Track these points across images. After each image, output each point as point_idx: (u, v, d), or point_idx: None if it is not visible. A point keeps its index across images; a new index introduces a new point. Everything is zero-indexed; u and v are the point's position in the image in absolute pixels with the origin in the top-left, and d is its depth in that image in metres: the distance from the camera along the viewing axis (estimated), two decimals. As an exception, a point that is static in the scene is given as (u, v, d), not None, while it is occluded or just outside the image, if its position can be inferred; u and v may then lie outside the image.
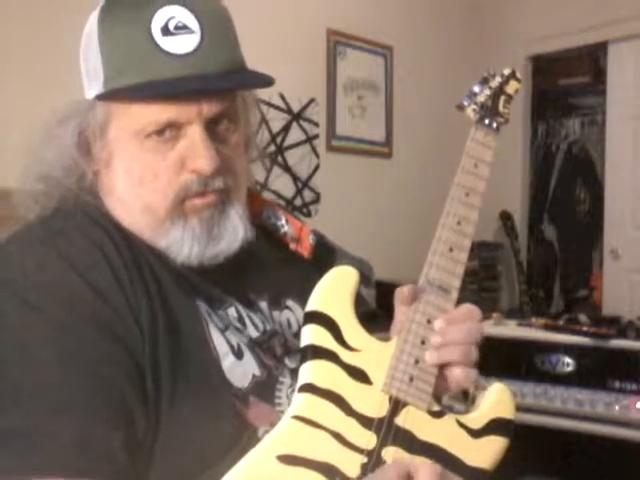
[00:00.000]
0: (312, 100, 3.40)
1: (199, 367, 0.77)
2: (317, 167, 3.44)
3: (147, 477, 0.73)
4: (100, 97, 0.80)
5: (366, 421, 0.75)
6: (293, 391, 0.78)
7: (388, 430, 0.75)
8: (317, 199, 3.44)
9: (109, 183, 0.83)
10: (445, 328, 0.79)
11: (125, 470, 0.69)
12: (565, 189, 4.12)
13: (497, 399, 0.81)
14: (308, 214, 3.37)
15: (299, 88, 3.28)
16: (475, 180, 0.84)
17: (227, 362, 0.79)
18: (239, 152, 0.86)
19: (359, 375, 0.77)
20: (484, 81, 0.89)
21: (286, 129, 3.29)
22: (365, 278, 0.88)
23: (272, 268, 0.94)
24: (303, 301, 0.82)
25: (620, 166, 3.80)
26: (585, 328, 2.30)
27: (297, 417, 0.74)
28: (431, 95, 3.87)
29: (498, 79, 0.89)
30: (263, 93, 1.04)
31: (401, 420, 0.76)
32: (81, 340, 0.71)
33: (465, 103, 0.88)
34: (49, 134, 0.83)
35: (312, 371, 0.77)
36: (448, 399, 0.86)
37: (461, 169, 0.84)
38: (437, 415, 0.77)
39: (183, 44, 0.77)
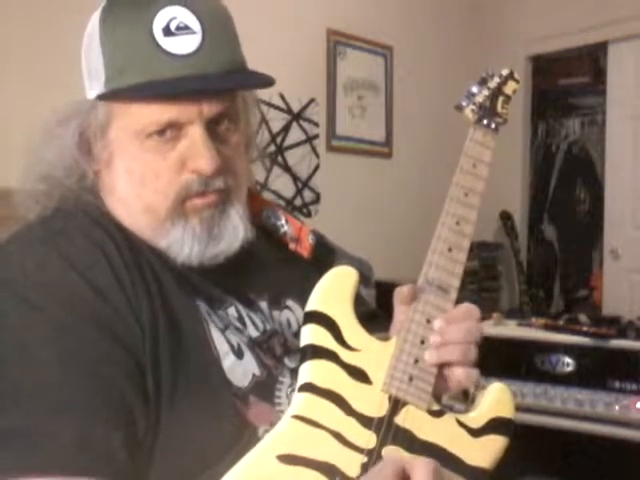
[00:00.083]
0: (312, 100, 3.40)
1: (199, 366, 0.77)
2: (317, 167, 3.44)
3: (147, 477, 0.73)
4: (101, 97, 0.80)
5: (366, 420, 0.75)
6: (293, 391, 0.78)
7: (388, 429, 0.75)
8: (317, 199, 3.43)
9: (110, 183, 0.83)
10: (444, 328, 0.79)
11: (125, 470, 0.69)
12: (565, 189, 4.12)
13: (497, 398, 0.81)
14: (308, 214, 3.37)
15: (299, 88, 3.27)
16: (474, 180, 0.84)
17: (227, 362, 0.79)
18: (239, 152, 0.86)
19: (359, 375, 0.77)
20: (482, 81, 0.89)
21: (286, 129, 3.29)
22: (365, 278, 0.88)
23: (272, 268, 0.94)
24: (303, 301, 0.82)
25: (620, 166, 3.80)
26: (585, 328, 2.30)
27: (297, 417, 0.74)
28: (431, 95, 3.87)
29: (496, 79, 0.89)
30: (263, 93, 1.04)
31: (401, 419, 0.76)
32: (81, 340, 0.71)
33: (463, 103, 0.88)
34: (50, 134, 0.83)
35: (312, 371, 0.77)
36: (448, 399, 0.86)
37: (460, 169, 0.85)
38: (437, 414, 0.77)
39: (184, 44, 0.77)
